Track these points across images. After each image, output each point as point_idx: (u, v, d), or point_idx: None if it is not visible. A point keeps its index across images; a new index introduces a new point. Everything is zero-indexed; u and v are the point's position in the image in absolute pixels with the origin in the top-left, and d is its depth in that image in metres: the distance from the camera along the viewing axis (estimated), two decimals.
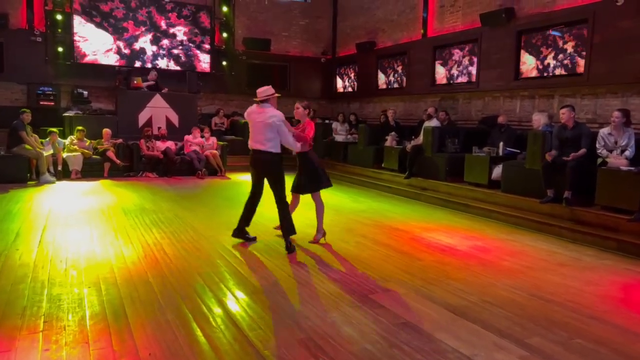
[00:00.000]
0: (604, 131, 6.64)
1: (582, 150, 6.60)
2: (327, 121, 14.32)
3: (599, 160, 6.61)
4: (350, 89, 15.05)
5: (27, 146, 9.69)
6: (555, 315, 3.77)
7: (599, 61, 7.86)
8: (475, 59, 10.26)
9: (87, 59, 12.35)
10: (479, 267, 4.99)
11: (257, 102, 5.41)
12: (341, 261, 5.04)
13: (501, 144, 8.23)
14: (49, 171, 9.99)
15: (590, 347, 3.26)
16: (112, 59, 12.65)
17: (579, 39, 8.26)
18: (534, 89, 9.06)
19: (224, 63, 14.05)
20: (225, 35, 14.07)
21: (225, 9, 13.95)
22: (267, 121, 5.24)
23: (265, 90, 5.42)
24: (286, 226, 5.36)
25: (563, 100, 8.39)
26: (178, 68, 13.36)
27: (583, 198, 6.51)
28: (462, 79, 10.66)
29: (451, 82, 10.98)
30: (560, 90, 8.56)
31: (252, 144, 5.38)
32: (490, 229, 6.77)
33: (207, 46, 13.68)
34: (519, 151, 8.02)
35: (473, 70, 10.34)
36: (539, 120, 7.61)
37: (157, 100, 12.12)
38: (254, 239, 5.69)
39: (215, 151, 11.69)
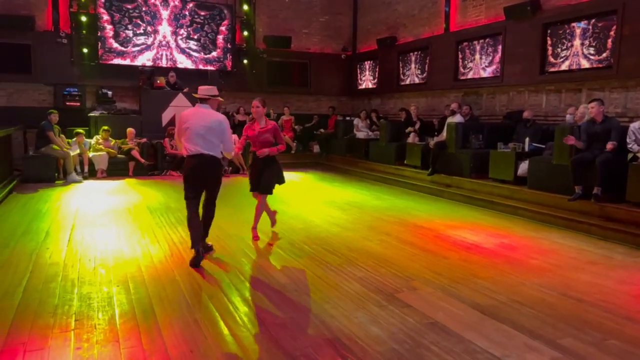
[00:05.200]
0: (634, 125, 6.45)
1: (615, 143, 6.41)
2: (347, 118, 14.29)
3: (630, 156, 6.43)
4: (371, 85, 14.96)
5: (55, 146, 9.89)
6: (587, 315, 3.69)
7: (629, 53, 7.63)
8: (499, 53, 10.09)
9: (112, 60, 12.51)
10: (506, 265, 4.91)
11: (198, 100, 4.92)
12: (366, 259, 5.01)
13: (527, 139, 8.08)
14: (75, 170, 10.18)
15: (625, 348, 3.17)
16: (135, 59, 12.78)
17: (607, 31, 8.04)
18: (561, 82, 8.87)
19: (245, 61, 14.09)
20: (246, 33, 14.11)
21: (245, 7, 13.98)
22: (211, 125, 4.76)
23: (209, 90, 4.92)
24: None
25: (591, 94, 8.19)
26: (200, 67, 13.45)
27: (613, 194, 6.34)
28: (486, 74, 10.48)
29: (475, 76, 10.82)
30: (588, 83, 8.36)
31: (193, 148, 4.72)
32: (517, 227, 6.66)
33: (229, 45, 13.73)
34: (544, 146, 7.86)
35: (497, 64, 10.17)
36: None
37: (180, 100, 12.22)
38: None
39: (237, 150, 11.73)
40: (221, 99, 5.17)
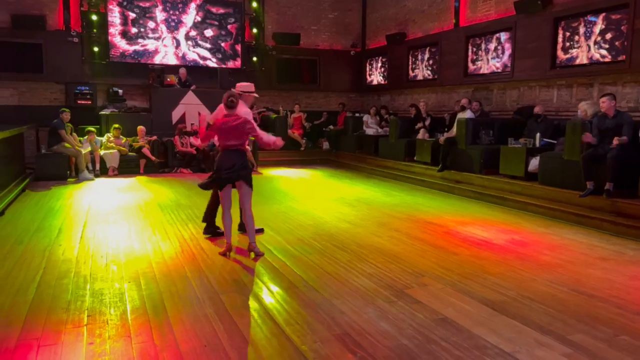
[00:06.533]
0: None
1: (624, 138, 6.35)
2: (357, 114, 14.27)
3: None
4: (380, 82, 14.91)
5: (67, 144, 9.99)
6: (598, 311, 3.66)
7: None
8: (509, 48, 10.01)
9: (122, 58, 12.59)
10: (516, 261, 4.88)
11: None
12: (375, 256, 5.01)
13: (538, 134, 8.02)
14: (87, 168, 10.28)
15: (637, 344, 3.15)
16: (146, 57, 12.86)
17: (619, 25, 7.95)
18: (572, 77, 8.78)
19: (254, 59, 14.12)
20: (255, 31, 14.14)
21: (254, 4, 14.01)
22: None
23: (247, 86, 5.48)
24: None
25: (603, 88, 8.10)
26: (209, 65, 13.50)
27: (625, 190, 6.28)
28: (496, 69, 10.41)
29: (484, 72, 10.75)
30: (600, 78, 8.27)
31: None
32: (528, 223, 6.62)
33: (238, 42, 13.76)
34: (555, 142, 7.80)
35: (507, 59, 10.09)
36: (585, 111, 7.13)
37: (190, 97, 12.27)
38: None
39: (247, 147, 11.76)
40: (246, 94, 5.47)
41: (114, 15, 12.37)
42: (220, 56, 13.64)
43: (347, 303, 3.77)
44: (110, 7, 12.31)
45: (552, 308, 3.70)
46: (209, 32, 13.44)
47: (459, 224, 6.50)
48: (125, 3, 12.42)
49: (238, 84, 5.53)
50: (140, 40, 12.72)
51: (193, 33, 13.28)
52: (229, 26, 13.65)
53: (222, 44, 13.63)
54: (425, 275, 4.44)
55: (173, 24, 13.05)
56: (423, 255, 5.07)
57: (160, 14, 12.87)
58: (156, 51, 12.95)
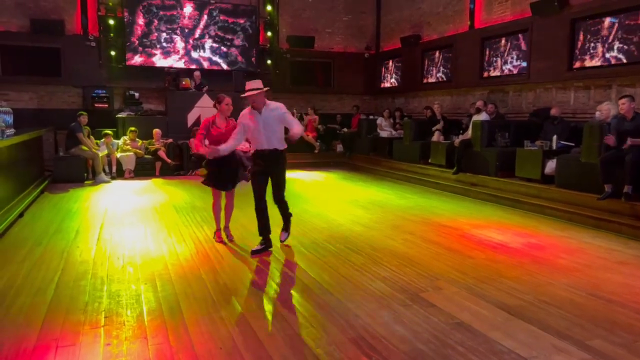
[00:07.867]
0: None
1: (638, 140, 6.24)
2: (371, 117, 14.24)
3: None
4: (394, 84, 14.87)
5: (84, 147, 10.13)
6: (617, 316, 3.61)
7: None
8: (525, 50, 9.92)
9: (138, 62, 12.74)
10: (533, 265, 4.83)
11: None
12: (390, 259, 4.99)
13: (554, 137, 7.93)
14: (104, 171, 10.41)
15: None
16: (161, 61, 12.99)
17: (637, 26, 7.82)
18: (590, 79, 8.67)
19: (269, 62, 14.18)
20: (269, 34, 14.20)
21: (269, 8, 14.08)
22: None
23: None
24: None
25: (621, 90, 7.97)
26: (224, 68, 13.59)
27: None
28: (512, 71, 10.32)
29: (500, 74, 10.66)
30: (619, 79, 8.15)
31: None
32: (544, 226, 6.54)
33: (252, 46, 13.83)
34: (573, 144, 7.70)
35: (523, 61, 10.00)
36: (609, 110, 7.02)
37: (205, 100, 12.36)
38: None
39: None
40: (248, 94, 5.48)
41: (130, 19, 12.51)
42: (235, 59, 13.71)
43: (361, 306, 3.76)
44: (127, 12, 12.47)
45: (569, 312, 3.65)
46: (224, 35, 13.53)
47: (474, 227, 6.44)
48: (142, 7, 12.57)
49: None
50: (156, 44, 12.84)
51: (208, 36, 13.38)
52: (243, 29, 13.73)
53: (237, 47, 13.71)
54: (440, 278, 4.41)
55: (189, 27, 13.17)
56: (438, 258, 5.04)
57: (176, 18, 12.99)
58: (172, 54, 13.06)
